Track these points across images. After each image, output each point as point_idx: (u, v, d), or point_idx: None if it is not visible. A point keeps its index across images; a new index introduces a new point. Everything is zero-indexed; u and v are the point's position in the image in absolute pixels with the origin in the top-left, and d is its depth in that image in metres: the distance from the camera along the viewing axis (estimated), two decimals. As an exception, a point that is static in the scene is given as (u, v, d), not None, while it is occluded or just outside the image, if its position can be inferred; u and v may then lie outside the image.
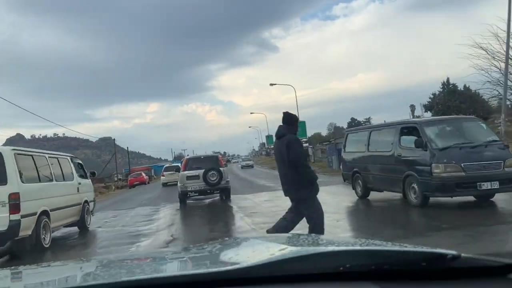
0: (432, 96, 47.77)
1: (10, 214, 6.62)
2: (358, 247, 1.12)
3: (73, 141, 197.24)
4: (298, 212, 5.05)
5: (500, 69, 19.10)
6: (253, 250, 1.27)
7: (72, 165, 9.63)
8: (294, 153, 4.88)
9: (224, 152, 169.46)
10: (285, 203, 11.71)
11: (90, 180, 10.89)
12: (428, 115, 41.57)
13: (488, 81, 19.58)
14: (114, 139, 58.67)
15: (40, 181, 7.76)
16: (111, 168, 56.54)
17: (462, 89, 46.02)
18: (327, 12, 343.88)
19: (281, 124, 5.08)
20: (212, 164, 13.25)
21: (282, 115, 5.14)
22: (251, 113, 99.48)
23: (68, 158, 9.74)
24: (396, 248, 1.07)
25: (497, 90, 19.67)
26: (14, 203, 6.66)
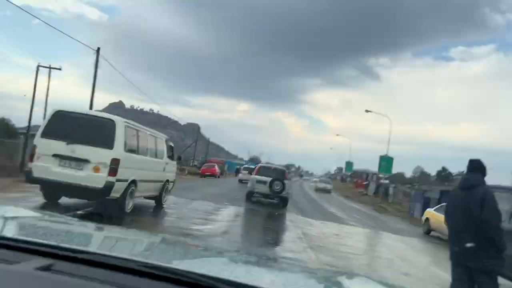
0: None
1: (108, 175, 7.53)
2: None
3: (164, 119, 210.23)
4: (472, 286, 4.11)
5: None
6: None
7: (165, 146, 10.51)
8: (490, 211, 3.93)
9: (299, 167, 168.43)
10: (356, 244, 10.58)
11: (175, 162, 11.69)
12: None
13: None
14: (199, 127, 60.71)
15: (138, 153, 8.60)
16: (190, 153, 58.46)
17: None
18: (443, 53, 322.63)
19: (469, 171, 4.27)
20: (279, 175, 15.94)
21: (468, 162, 4.33)
22: (336, 135, 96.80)
23: (164, 139, 10.65)
24: None
25: None
26: (113, 167, 7.55)
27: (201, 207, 12.10)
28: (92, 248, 1.15)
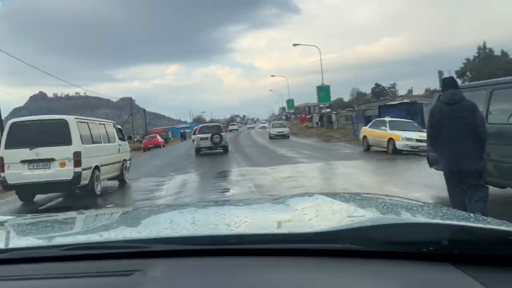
0: (465, 62, 44.73)
1: (74, 167, 8.67)
2: (442, 221, 0.94)
3: (93, 100, 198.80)
4: (477, 186, 4.61)
5: None
6: (333, 212, 1.12)
7: (114, 130, 11.70)
8: (481, 119, 4.66)
9: (244, 116, 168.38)
10: (311, 182, 10.38)
11: (127, 142, 13.13)
12: (463, 82, 38.47)
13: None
14: (131, 99, 57.63)
15: (93, 142, 9.73)
16: (129, 129, 55.77)
17: (499, 54, 42.79)
18: None
19: (449, 88, 4.72)
20: (217, 130, 20.39)
21: (442, 81, 5.04)
22: (272, 75, 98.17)
23: (112, 124, 11.90)
24: (471, 224, 0.91)
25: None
26: (77, 159, 8.68)
27: (143, 186, 11.25)
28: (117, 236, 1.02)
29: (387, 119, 16.11)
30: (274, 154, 18.54)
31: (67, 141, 8.69)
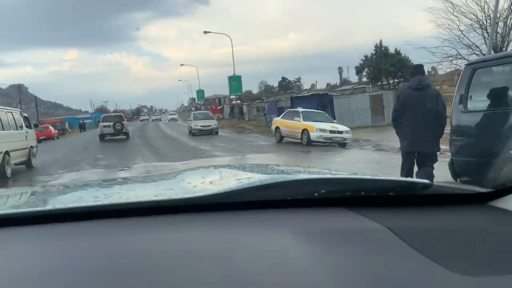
0: (363, 58, 47.69)
1: None
2: (333, 176, 1.10)
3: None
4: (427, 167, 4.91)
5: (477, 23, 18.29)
6: (221, 178, 1.22)
7: (21, 118, 12.38)
8: (443, 106, 4.92)
9: (151, 107, 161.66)
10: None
11: (33, 130, 13.80)
12: (356, 78, 40.97)
13: (446, 39, 18.46)
14: (19, 86, 51.00)
15: (3, 129, 10.57)
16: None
17: (393, 52, 46.28)
18: None
19: (418, 74, 5.04)
20: (118, 119, 23.36)
21: (412, 67, 5.71)
22: (181, 64, 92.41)
23: (18, 112, 12.73)
24: (370, 177, 1.04)
25: (455, 49, 18.71)
26: None
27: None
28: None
29: (300, 109, 15.90)
30: (185, 147, 17.33)
31: None
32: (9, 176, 10.40)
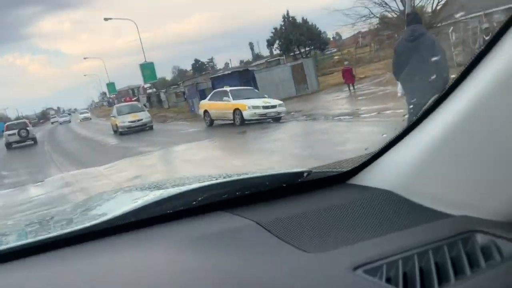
0: (273, 31, 47.78)
1: None
2: (209, 182, 1.10)
3: None
4: None
5: None
6: (116, 202, 1.29)
7: None
8: (439, 54, 4.55)
9: (58, 108, 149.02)
10: (156, 173, 8.48)
11: None
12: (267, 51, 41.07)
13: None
14: None
15: None
16: None
17: (300, 21, 46.96)
18: None
19: (411, 24, 4.76)
20: (23, 126, 22.86)
21: (406, 16, 5.72)
22: (84, 58, 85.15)
23: None
24: (249, 175, 1.11)
25: (368, 8, 18.92)
26: None
27: None
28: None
29: (228, 89, 14.96)
30: (104, 146, 15.53)
31: None
32: None
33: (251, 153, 8.64)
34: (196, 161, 8.74)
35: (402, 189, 0.91)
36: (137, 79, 38.56)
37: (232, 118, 13.82)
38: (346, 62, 23.54)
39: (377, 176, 0.98)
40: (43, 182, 9.44)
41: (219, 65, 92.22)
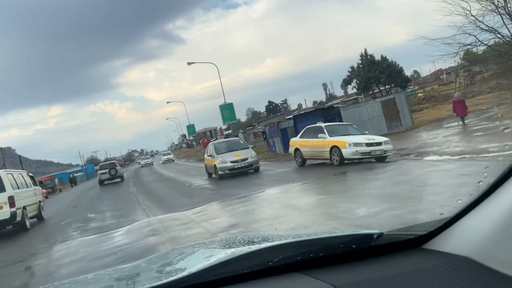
0: (350, 70, 46.21)
1: (10, 208, 11.08)
2: (284, 241, 1.13)
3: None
4: None
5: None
6: (190, 260, 1.33)
7: (29, 177, 14.19)
8: None
9: (142, 150, 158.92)
10: (263, 213, 7.04)
11: (39, 187, 15.72)
12: (341, 92, 39.32)
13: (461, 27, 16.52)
14: (1, 148, 48.04)
15: (19, 188, 12.14)
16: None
17: (379, 59, 44.92)
18: (228, 1, 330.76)
19: None
20: (112, 166, 29.11)
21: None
22: (167, 102, 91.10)
23: (26, 172, 14.83)
24: (319, 236, 1.13)
25: (473, 36, 16.74)
26: (11, 202, 11.14)
27: None
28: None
29: (322, 124, 13.53)
30: (192, 188, 14.77)
31: (2, 188, 11.06)
32: (29, 227, 11.86)
33: (369, 198, 6.96)
34: (299, 207, 7.29)
35: (481, 256, 0.88)
36: (213, 122, 38.95)
37: (328, 157, 12.25)
38: (456, 94, 21.52)
39: (454, 242, 0.96)
40: (128, 228, 8.64)
41: (293, 106, 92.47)
